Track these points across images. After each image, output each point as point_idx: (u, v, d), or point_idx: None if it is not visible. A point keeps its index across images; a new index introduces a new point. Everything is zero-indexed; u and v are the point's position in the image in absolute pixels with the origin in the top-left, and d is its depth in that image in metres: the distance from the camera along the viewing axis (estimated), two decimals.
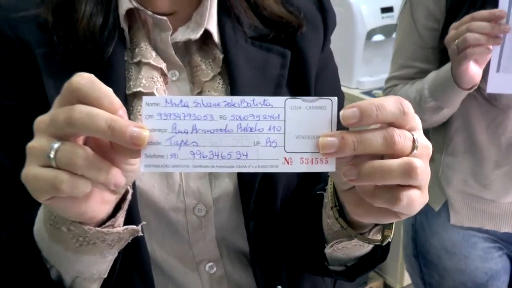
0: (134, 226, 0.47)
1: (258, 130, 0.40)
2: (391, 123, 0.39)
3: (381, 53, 1.77)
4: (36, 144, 0.38)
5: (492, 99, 0.95)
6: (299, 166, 0.40)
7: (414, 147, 0.39)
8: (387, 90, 1.07)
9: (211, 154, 0.40)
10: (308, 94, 0.63)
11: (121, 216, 0.46)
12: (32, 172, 0.38)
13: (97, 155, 0.38)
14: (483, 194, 1.01)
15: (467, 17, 0.81)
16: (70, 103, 0.38)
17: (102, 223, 0.45)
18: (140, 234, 0.47)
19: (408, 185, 0.39)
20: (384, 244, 0.50)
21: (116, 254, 0.49)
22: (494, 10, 0.78)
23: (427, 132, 1.10)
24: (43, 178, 0.37)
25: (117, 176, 0.38)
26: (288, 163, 0.40)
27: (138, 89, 0.57)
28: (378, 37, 1.77)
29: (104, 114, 0.37)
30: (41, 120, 0.39)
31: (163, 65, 0.58)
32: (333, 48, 0.70)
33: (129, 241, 0.48)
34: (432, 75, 0.95)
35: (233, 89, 0.59)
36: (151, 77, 0.58)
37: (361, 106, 0.38)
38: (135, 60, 0.59)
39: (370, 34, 1.74)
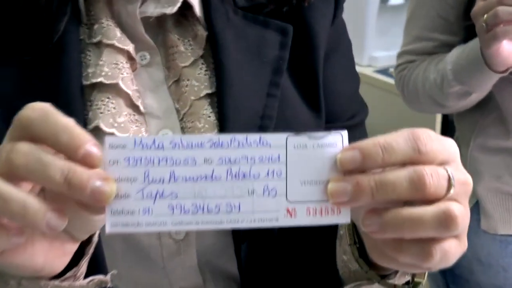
0: (101, 277, 0.42)
1: (253, 176, 0.36)
2: (409, 161, 0.34)
3: (400, 20, 1.67)
4: None
5: None
6: (304, 218, 0.36)
7: (450, 186, 0.35)
8: (400, 67, 1.00)
9: (194, 208, 0.36)
10: (315, 80, 0.57)
11: (85, 263, 0.42)
12: None
13: (18, 188, 0.33)
14: None
15: None
16: (22, 139, 0.34)
17: (61, 272, 0.40)
18: (109, 286, 0.43)
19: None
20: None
21: None
22: None
23: (450, 119, 1.05)
24: None
25: (52, 217, 0.33)
26: (291, 215, 0.36)
27: (99, 80, 0.50)
28: (396, 0, 1.67)
29: (58, 163, 0.33)
30: None
31: (130, 47, 0.51)
32: None
33: None
34: (456, 52, 0.88)
35: (219, 77, 0.53)
36: (115, 63, 0.51)
37: (363, 148, 0.34)
38: (94, 40, 0.52)
39: None
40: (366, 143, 0.35)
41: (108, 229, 0.35)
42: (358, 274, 0.47)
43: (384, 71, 1.65)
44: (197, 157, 0.35)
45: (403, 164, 0.35)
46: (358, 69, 1.93)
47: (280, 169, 0.36)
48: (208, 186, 0.35)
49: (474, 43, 0.84)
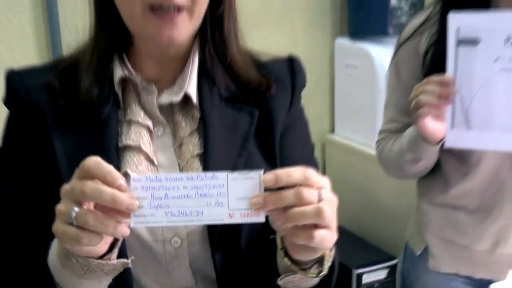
0: (125, 260, 0.67)
1: (210, 195, 0.63)
2: (300, 184, 0.61)
3: None
4: (62, 207, 0.61)
5: (464, 154, 1.14)
6: (239, 219, 0.63)
7: (320, 199, 0.61)
8: (378, 143, 1.28)
9: (178, 213, 0.63)
10: (273, 146, 0.83)
11: (115, 251, 0.66)
12: (61, 228, 0.60)
13: (104, 215, 0.59)
14: (458, 240, 1.20)
15: (424, 81, 1.02)
16: (85, 178, 0.60)
17: (101, 256, 0.65)
18: (130, 266, 0.67)
19: (319, 226, 0.61)
20: (319, 276, 0.71)
21: (110, 280, 0.69)
22: (442, 76, 0.99)
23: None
24: (69, 234, 0.60)
25: (122, 229, 0.61)
26: (231, 217, 0.63)
27: (128, 143, 0.77)
28: None
29: (108, 189, 0.59)
30: (65, 188, 0.61)
31: (149, 123, 0.79)
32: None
33: (121, 270, 0.67)
34: (409, 130, 1.15)
35: (206, 143, 0.78)
36: (139, 133, 0.78)
37: (276, 174, 0.61)
38: (127, 119, 0.79)
39: None
40: (278, 171, 0.60)
41: (132, 225, 0.62)
42: (288, 269, 0.71)
43: None
44: (180, 185, 0.62)
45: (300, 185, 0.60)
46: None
47: (224, 191, 0.62)
48: (186, 201, 0.62)
49: None
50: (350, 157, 2.20)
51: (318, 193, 0.62)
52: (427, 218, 1.25)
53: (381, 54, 1.95)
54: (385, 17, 2.02)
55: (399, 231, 1.38)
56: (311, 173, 0.62)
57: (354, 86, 2.15)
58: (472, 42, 0.98)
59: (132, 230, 0.73)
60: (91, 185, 0.59)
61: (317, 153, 2.31)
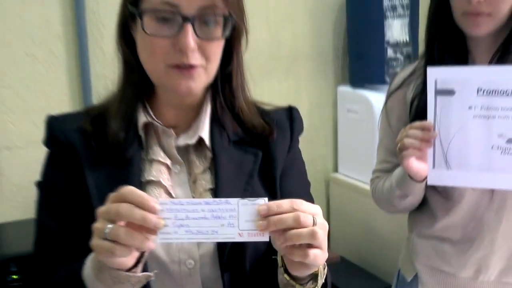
0: (149, 273, 0.74)
1: (223, 217, 0.72)
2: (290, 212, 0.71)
3: None
4: (98, 225, 0.69)
5: (448, 191, 1.24)
6: (247, 237, 0.72)
7: (314, 223, 0.71)
8: (372, 181, 1.39)
9: (196, 231, 0.72)
10: (274, 183, 0.93)
11: (141, 266, 0.75)
12: (97, 243, 0.69)
13: (134, 231, 0.68)
14: (444, 268, 1.30)
15: (407, 126, 1.14)
16: (118, 202, 0.69)
17: (128, 269, 0.73)
18: (153, 279, 0.75)
19: (313, 246, 0.71)
20: None
21: None
22: (424, 122, 1.12)
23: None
24: (104, 247, 0.69)
25: (149, 244, 0.69)
26: (240, 236, 0.72)
27: (150, 178, 0.87)
28: None
29: (139, 210, 0.68)
30: (101, 209, 0.70)
31: (168, 162, 0.88)
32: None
33: (145, 283, 0.75)
34: (397, 170, 1.26)
35: (217, 180, 0.88)
36: (159, 170, 0.88)
37: (268, 205, 0.72)
38: (149, 158, 0.88)
39: None
40: (270, 203, 0.70)
41: (158, 241, 0.70)
42: (287, 285, 0.80)
43: None
44: (198, 208, 0.71)
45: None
46: None
47: (235, 214, 0.71)
48: (203, 222, 0.71)
49: None
50: (351, 194, 2.32)
51: (312, 218, 0.72)
52: (416, 248, 1.35)
53: (379, 100, 2.08)
54: (383, 67, 2.20)
55: (395, 261, 1.48)
56: (299, 203, 0.72)
57: (355, 129, 2.30)
58: (448, 92, 1.11)
59: (152, 252, 0.85)
60: (125, 206, 0.69)
61: (322, 190, 2.48)
